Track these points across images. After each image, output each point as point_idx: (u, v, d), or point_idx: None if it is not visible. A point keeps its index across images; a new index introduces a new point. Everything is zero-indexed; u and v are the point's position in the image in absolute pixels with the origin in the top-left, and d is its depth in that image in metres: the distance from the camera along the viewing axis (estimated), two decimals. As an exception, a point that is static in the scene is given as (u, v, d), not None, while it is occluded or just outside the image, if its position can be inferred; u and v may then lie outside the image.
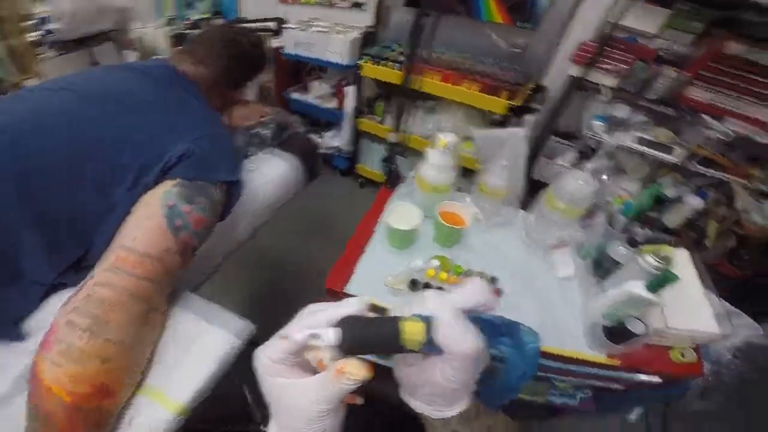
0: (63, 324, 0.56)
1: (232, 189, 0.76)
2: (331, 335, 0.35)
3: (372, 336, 0.36)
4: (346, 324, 0.36)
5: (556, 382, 0.94)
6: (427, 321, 0.36)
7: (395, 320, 0.36)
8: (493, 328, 0.49)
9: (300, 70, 2.50)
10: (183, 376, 0.69)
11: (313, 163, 1.15)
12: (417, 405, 0.42)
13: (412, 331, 0.35)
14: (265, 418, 0.40)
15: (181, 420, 0.65)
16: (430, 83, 1.93)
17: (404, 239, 0.98)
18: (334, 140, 2.48)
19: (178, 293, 0.76)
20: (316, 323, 0.38)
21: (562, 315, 0.89)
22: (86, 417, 0.55)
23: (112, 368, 0.57)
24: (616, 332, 0.75)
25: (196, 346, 0.71)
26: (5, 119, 0.68)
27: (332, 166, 2.61)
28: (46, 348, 0.56)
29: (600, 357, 0.82)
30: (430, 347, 0.36)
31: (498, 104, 1.82)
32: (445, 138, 0.95)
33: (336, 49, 2.08)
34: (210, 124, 0.77)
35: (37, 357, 0.56)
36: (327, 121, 2.50)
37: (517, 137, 0.97)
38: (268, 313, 0.77)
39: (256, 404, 1.10)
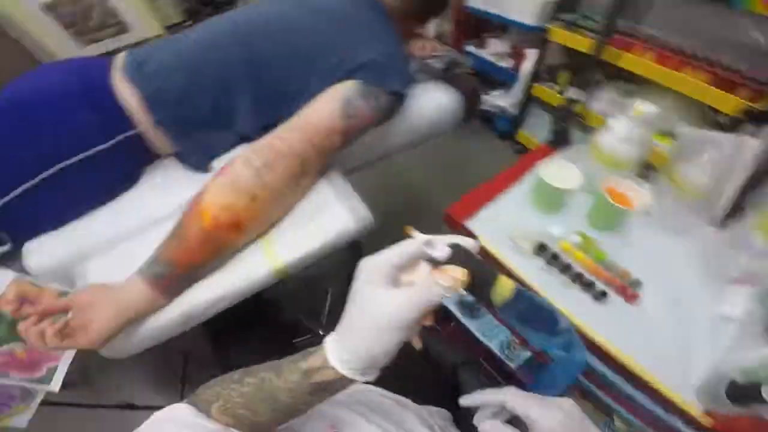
0: (242, 158, 0.68)
1: (397, 101, 0.83)
2: (445, 249, 0.37)
3: (473, 268, 0.37)
4: (457, 247, 0.38)
5: (617, 415, 0.79)
6: (518, 287, 0.38)
7: (495, 271, 0.38)
8: (552, 322, 0.41)
9: (480, 26, 2.36)
10: (296, 239, 0.75)
11: (472, 104, 1.14)
12: None
13: (503, 285, 0.38)
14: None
15: (274, 278, 0.72)
16: (638, 62, 1.64)
17: (552, 199, 0.88)
18: (499, 100, 2.34)
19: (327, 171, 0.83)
20: (433, 240, 0.39)
21: (691, 351, 0.73)
22: (212, 244, 0.67)
23: (256, 209, 0.68)
24: (742, 391, 0.63)
25: (319, 216, 0.77)
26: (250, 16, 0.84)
27: (491, 127, 2.48)
28: (221, 173, 0.68)
29: (695, 408, 0.66)
30: (510, 309, 0.38)
31: (730, 102, 1.44)
32: (643, 106, 0.80)
33: (525, 8, 1.91)
34: (394, 42, 0.85)
35: (210, 180, 0.68)
36: (498, 80, 2.36)
37: (745, 147, 0.76)
38: (374, 233, 0.77)
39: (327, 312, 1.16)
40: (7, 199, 0.70)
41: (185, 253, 0.66)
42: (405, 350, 0.38)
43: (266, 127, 0.78)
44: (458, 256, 0.38)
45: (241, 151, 0.73)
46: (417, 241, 0.38)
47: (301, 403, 0.39)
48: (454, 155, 2.23)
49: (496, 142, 2.47)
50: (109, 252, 0.77)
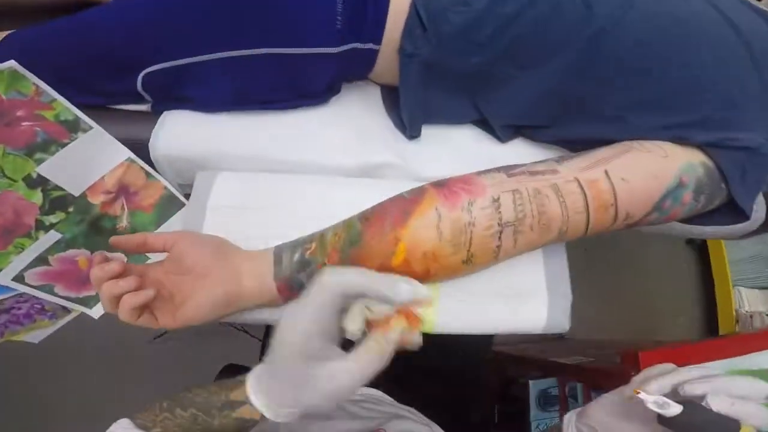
0: (491, 196, 0.43)
1: (724, 212, 0.53)
2: (677, 407, 0.33)
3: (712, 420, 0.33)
4: (690, 406, 0.33)
5: None
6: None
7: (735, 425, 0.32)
8: None
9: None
10: (468, 314, 0.53)
11: None
12: None
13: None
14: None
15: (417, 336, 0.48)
16: None
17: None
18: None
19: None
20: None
21: None
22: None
23: (460, 270, 0.44)
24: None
25: (513, 300, 0.53)
26: None
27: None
28: (449, 200, 0.42)
29: None
30: None
31: None
32: None
33: None
34: None
35: (425, 197, 0.43)
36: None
37: None
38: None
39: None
40: (176, 63, 0.52)
41: None
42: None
43: (517, 127, 0.58)
44: (692, 410, 0.33)
45: (491, 177, 0.45)
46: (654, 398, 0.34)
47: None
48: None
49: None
50: (244, 174, 0.56)
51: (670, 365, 0.38)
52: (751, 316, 1.39)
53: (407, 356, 0.45)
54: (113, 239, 0.45)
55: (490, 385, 1.14)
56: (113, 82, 0.55)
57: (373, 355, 0.33)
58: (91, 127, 0.49)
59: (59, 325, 0.57)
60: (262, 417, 0.36)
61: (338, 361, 0.34)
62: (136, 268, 0.44)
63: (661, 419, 0.33)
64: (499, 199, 0.42)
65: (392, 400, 0.64)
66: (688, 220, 0.54)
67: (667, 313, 1.67)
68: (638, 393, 0.34)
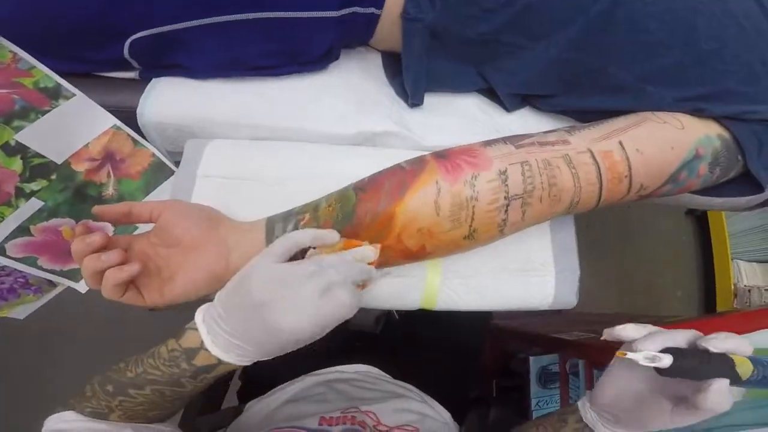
0: (497, 168, 0.40)
1: (740, 183, 0.52)
2: (667, 358, 0.32)
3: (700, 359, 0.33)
4: (678, 352, 0.33)
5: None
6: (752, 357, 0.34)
7: (727, 359, 0.33)
8: None
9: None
10: (469, 289, 0.50)
11: None
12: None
13: (742, 362, 0.32)
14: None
15: (413, 309, 0.52)
16: None
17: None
18: None
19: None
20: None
21: None
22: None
23: (459, 246, 0.42)
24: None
25: (519, 275, 0.51)
26: None
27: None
28: (451, 173, 0.40)
29: None
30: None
31: None
32: None
33: None
34: None
35: (425, 168, 0.40)
36: None
37: None
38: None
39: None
40: (164, 29, 0.48)
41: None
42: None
43: (524, 96, 0.54)
44: (682, 356, 0.33)
45: (498, 149, 0.42)
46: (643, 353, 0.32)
47: (202, 386, 0.38)
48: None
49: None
50: (236, 142, 0.53)
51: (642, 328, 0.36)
52: (749, 291, 1.38)
53: (404, 332, 0.44)
54: (96, 209, 0.42)
55: (489, 360, 1.14)
56: (98, 51, 0.51)
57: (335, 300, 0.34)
58: (73, 95, 0.46)
59: (45, 300, 0.55)
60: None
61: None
62: (121, 239, 0.42)
63: (659, 371, 0.33)
64: (506, 171, 0.40)
65: (389, 377, 0.63)
66: (701, 191, 0.52)
67: (666, 286, 1.65)
68: (624, 355, 0.34)
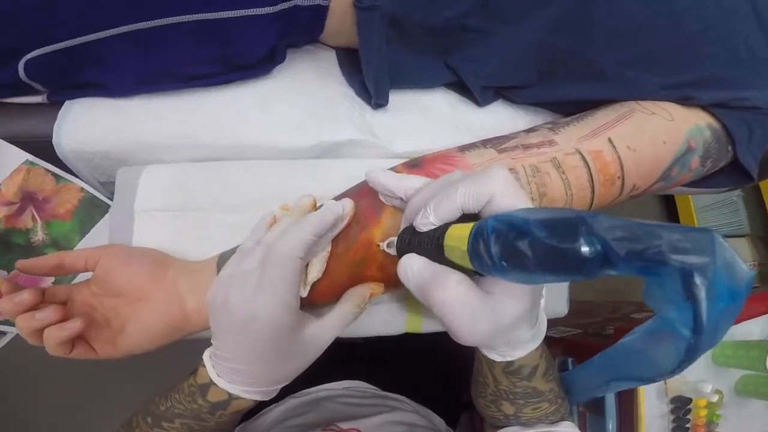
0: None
1: (728, 173, 0.50)
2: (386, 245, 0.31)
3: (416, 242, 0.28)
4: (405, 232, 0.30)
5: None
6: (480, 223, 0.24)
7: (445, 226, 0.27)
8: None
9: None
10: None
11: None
12: None
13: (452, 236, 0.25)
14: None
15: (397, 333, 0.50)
16: None
17: None
18: None
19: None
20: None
21: None
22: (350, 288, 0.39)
23: None
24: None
25: None
26: None
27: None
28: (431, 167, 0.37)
29: None
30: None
31: None
32: None
33: None
34: None
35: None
36: None
37: None
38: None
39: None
40: (66, 45, 0.41)
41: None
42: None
43: (496, 89, 0.49)
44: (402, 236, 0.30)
45: (479, 154, 0.38)
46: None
47: (226, 423, 0.37)
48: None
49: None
50: (175, 166, 0.46)
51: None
52: None
53: (390, 339, 0.46)
54: (20, 264, 0.36)
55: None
56: None
57: (349, 312, 0.34)
58: None
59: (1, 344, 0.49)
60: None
61: (315, 324, 0.33)
62: (59, 291, 0.37)
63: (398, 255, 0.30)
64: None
65: (378, 389, 0.61)
66: (690, 183, 0.49)
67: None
68: (379, 246, 0.32)
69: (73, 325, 0.33)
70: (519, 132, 0.42)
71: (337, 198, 0.37)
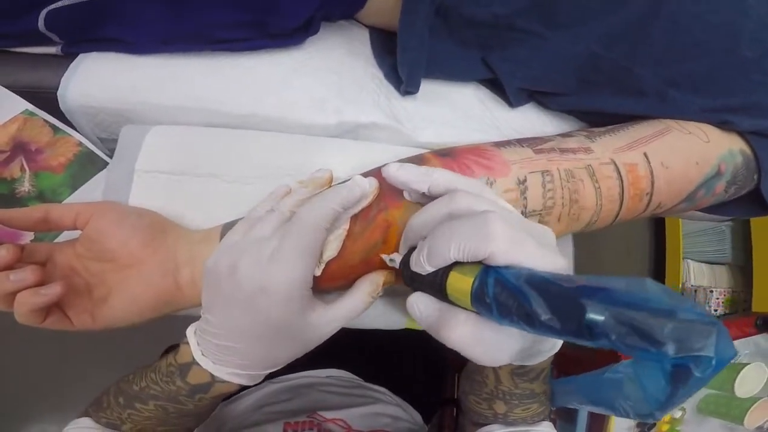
0: (516, 176, 0.34)
1: (746, 203, 0.49)
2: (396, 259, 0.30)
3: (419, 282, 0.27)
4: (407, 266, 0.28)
5: None
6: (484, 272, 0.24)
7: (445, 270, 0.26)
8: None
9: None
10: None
11: None
12: None
13: (454, 287, 0.25)
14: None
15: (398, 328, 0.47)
16: None
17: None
18: None
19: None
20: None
21: None
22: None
23: None
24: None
25: None
26: None
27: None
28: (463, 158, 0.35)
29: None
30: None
31: None
32: None
33: None
34: None
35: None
36: None
37: None
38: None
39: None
40: None
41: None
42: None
43: (531, 91, 0.47)
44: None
45: (515, 152, 0.36)
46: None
47: (205, 407, 0.35)
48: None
49: None
50: (184, 129, 0.42)
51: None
52: (695, 291, 1.41)
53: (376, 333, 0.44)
54: (2, 215, 0.32)
55: (460, 361, 1.12)
56: (6, 23, 0.40)
57: (362, 301, 0.31)
58: None
59: None
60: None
61: (323, 309, 0.30)
62: (39, 249, 0.33)
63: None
64: (525, 181, 0.34)
65: (361, 380, 0.60)
66: (707, 208, 0.48)
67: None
68: (383, 257, 0.31)
69: (52, 291, 0.30)
70: (555, 135, 0.40)
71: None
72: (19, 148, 0.41)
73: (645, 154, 0.39)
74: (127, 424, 0.36)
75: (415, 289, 0.28)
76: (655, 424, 0.78)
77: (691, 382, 0.17)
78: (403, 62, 0.43)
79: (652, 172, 0.38)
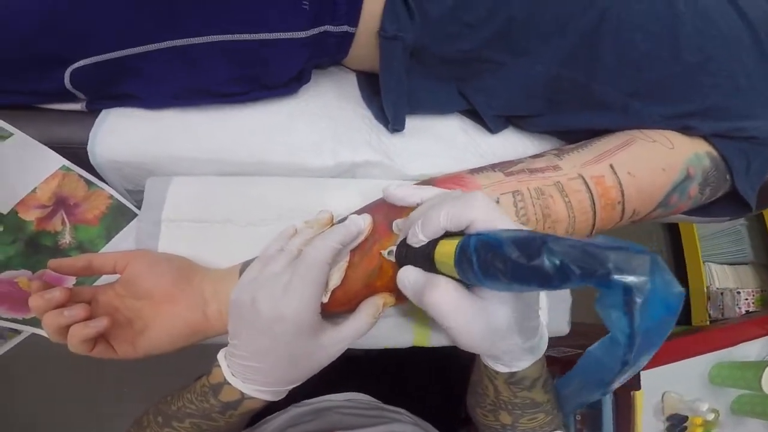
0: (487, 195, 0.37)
1: (728, 204, 0.51)
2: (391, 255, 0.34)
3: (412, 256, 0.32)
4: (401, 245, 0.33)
5: None
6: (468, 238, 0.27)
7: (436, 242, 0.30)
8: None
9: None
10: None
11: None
12: None
13: (441, 252, 0.29)
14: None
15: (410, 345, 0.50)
16: None
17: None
18: None
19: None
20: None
21: None
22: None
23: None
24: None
25: None
26: None
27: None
28: (442, 187, 0.39)
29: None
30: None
31: None
32: None
33: None
34: None
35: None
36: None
37: None
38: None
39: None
40: (109, 57, 0.43)
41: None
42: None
43: (507, 117, 0.52)
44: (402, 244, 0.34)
45: (488, 176, 0.42)
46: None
47: (235, 423, 0.39)
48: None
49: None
50: (203, 179, 0.48)
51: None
52: (721, 294, 1.40)
53: (392, 354, 0.48)
54: (52, 263, 0.39)
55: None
56: (35, 80, 0.46)
57: (365, 322, 0.36)
58: (11, 134, 0.42)
59: (10, 346, 0.51)
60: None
61: (332, 331, 0.35)
62: (84, 291, 0.39)
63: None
64: (498, 202, 0.38)
65: (379, 402, 0.62)
66: (690, 212, 0.51)
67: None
68: (382, 253, 0.35)
69: (99, 323, 0.35)
70: (526, 157, 0.44)
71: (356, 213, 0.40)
72: (60, 202, 0.47)
73: (611, 166, 0.42)
74: None
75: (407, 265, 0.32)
76: (686, 427, 0.77)
77: (640, 308, 0.20)
78: (387, 103, 0.48)
79: (620, 182, 0.42)
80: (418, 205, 0.35)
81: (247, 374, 0.35)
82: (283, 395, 0.38)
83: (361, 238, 0.36)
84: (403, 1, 0.44)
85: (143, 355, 0.39)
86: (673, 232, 1.66)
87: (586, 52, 0.45)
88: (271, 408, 0.58)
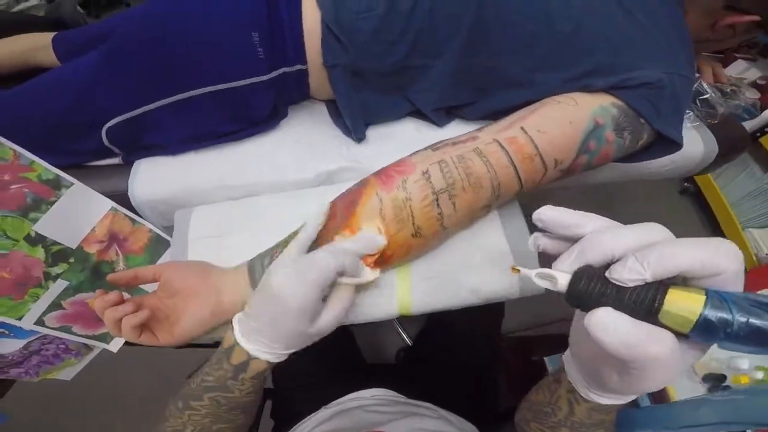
0: (420, 170, 0.46)
1: (659, 145, 0.56)
2: (565, 277, 0.26)
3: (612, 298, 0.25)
4: (583, 269, 0.26)
5: None
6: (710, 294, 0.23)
7: (657, 287, 0.24)
8: None
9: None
10: (438, 291, 0.55)
11: (726, 159, 0.82)
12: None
13: (676, 304, 0.23)
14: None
15: (394, 317, 0.56)
16: None
17: None
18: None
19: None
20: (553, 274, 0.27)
21: None
22: None
23: (411, 246, 0.48)
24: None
25: (483, 269, 0.55)
26: None
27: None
28: (387, 183, 0.46)
29: None
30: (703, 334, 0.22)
31: None
32: None
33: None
34: (687, 59, 0.56)
35: (367, 186, 0.47)
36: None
37: None
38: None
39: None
40: (131, 115, 0.59)
41: None
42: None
43: (447, 109, 0.61)
44: (583, 279, 0.26)
45: (420, 155, 0.49)
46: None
47: (248, 391, 0.43)
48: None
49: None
50: (216, 206, 0.62)
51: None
52: None
53: (418, 357, 0.49)
54: (109, 277, 0.51)
55: (515, 371, 1.13)
56: (81, 143, 0.62)
57: (341, 299, 0.42)
58: (71, 183, 0.54)
59: (86, 362, 0.63)
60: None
61: (325, 314, 0.41)
62: (134, 299, 0.50)
63: (566, 298, 0.26)
64: (428, 171, 0.45)
65: (404, 398, 0.66)
66: (630, 158, 0.56)
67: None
68: (518, 271, 0.29)
69: (142, 314, 0.45)
70: (454, 137, 0.52)
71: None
72: (113, 237, 0.60)
73: (522, 128, 0.48)
74: (189, 428, 0.43)
75: (591, 306, 0.25)
76: (729, 386, 0.73)
77: None
78: (345, 118, 0.60)
79: (531, 139, 0.47)
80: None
81: (253, 335, 0.40)
82: (283, 358, 0.42)
83: (323, 218, 0.46)
84: (333, 35, 0.56)
85: (179, 338, 0.48)
86: (700, 202, 1.59)
87: (480, 41, 0.54)
88: (303, 412, 0.66)
